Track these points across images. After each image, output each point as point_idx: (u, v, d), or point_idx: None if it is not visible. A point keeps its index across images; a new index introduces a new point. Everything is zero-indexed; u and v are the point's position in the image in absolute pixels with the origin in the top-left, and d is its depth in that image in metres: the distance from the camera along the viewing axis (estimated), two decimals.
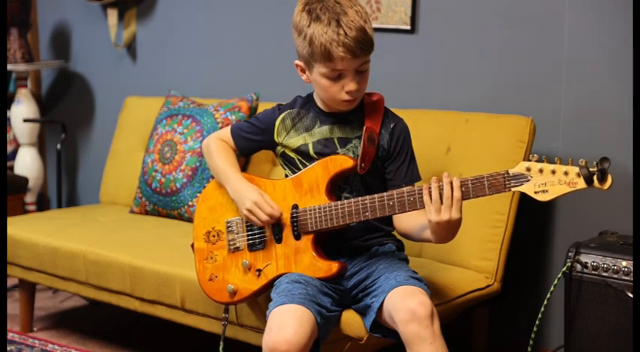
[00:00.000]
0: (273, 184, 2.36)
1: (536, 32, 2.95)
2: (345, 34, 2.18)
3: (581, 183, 1.99)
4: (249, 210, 2.30)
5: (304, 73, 2.33)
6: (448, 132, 2.90)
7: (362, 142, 2.29)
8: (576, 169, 1.99)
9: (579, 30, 2.86)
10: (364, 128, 2.31)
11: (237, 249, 2.38)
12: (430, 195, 2.11)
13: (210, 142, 2.48)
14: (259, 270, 2.34)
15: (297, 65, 2.34)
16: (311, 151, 2.36)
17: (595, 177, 1.97)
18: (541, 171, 2.03)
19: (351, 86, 2.24)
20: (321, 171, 2.29)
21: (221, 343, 2.47)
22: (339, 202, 2.24)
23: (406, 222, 2.30)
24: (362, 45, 2.21)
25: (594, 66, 2.85)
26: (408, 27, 3.19)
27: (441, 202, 2.09)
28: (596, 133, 2.85)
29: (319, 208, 2.26)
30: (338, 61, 2.21)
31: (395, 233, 2.43)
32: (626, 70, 2.74)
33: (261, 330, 2.44)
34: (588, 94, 2.87)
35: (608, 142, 2.82)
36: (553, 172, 2.01)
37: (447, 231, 2.14)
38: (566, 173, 2.00)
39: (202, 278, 2.43)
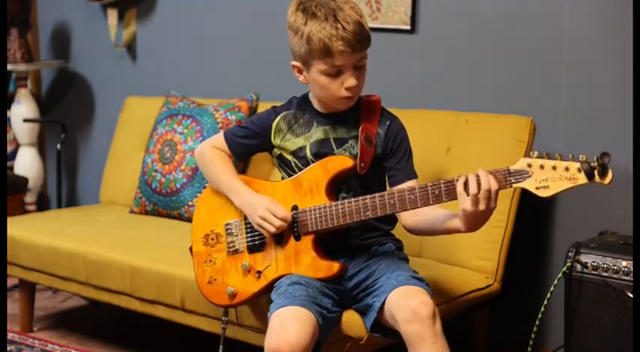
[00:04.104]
0: (272, 186, 2.36)
1: (536, 32, 2.95)
2: (344, 28, 2.19)
3: (582, 178, 1.99)
4: (263, 218, 2.27)
5: (301, 73, 2.31)
6: (448, 132, 2.90)
7: (359, 143, 2.29)
8: (577, 164, 1.99)
9: (579, 30, 2.86)
10: (360, 128, 2.31)
11: (236, 251, 2.37)
12: (465, 187, 2.08)
13: (204, 151, 2.45)
14: (259, 272, 2.33)
15: (293, 66, 2.33)
16: (308, 154, 2.35)
17: (596, 172, 1.97)
18: (542, 167, 2.02)
19: (351, 82, 2.24)
20: (320, 172, 2.29)
21: (220, 346, 2.46)
22: (339, 202, 2.24)
23: (420, 217, 2.26)
24: (360, 38, 2.21)
25: (594, 66, 2.85)
26: (408, 27, 3.19)
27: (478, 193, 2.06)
28: (596, 133, 2.85)
29: (319, 208, 2.25)
30: (337, 56, 2.21)
31: (394, 232, 2.43)
32: (626, 70, 2.74)
33: (261, 330, 2.44)
34: (588, 94, 2.87)
35: (608, 142, 2.82)
36: (554, 168, 2.01)
37: (482, 219, 2.12)
38: (567, 168, 2.00)
39: (201, 282, 2.43)
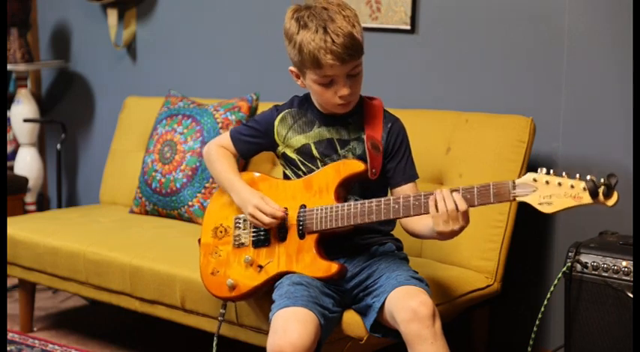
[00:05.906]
0: (284, 184, 2.39)
1: (536, 32, 2.95)
2: (333, 41, 2.19)
3: (586, 198, 1.98)
4: (252, 215, 2.32)
5: (299, 78, 2.35)
6: (448, 132, 2.90)
7: (367, 151, 2.30)
8: (582, 183, 1.98)
9: (579, 30, 2.86)
10: (365, 136, 2.32)
11: (242, 244, 2.39)
12: (437, 207, 2.11)
13: (210, 150, 2.49)
14: (260, 266, 2.34)
15: (291, 71, 2.36)
16: (314, 151, 2.36)
17: (601, 192, 1.96)
18: (547, 183, 2.02)
19: (344, 91, 2.25)
20: (332, 174, 2.31)
21: (215, 338, 2.48)
22: (345, 204, 2.25)
23: (414, 223, 2.29)
24: (350, 51, 2.21)
25: (594, 66, 2.85)
26: (408, 27, 3.19)
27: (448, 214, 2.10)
28: (596, 133, 2.85)
29: (325, 209, 2.26)
30: (327, 68, 2.22)
31: (394, 232, 2.43)
32: (626, 70, 2.74)
33: (261, 330, 2.45)
34: (588, 94, 2.87)
35: (608, 142, 2.82)
36: (559, 185, 2.00)
37: (454, 234, 2.16)
38: (572, 186, 1.99)
39: (204, 272, 2.44)
